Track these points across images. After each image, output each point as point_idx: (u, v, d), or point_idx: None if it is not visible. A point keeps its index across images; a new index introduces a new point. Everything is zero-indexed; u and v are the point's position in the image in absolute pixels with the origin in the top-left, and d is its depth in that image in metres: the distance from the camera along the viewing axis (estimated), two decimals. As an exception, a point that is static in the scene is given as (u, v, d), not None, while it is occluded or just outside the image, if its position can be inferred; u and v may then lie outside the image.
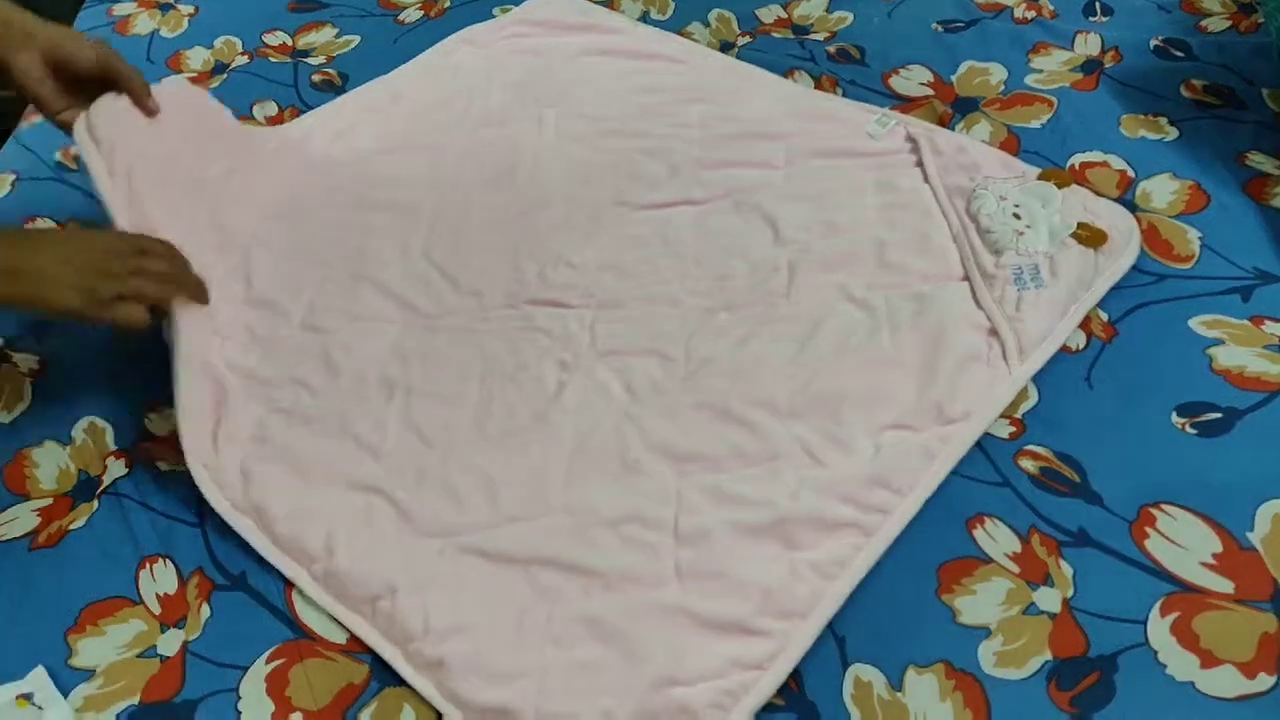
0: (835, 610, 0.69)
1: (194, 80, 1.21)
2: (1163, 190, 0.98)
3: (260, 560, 0.75)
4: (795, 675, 0.67)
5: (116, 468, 0.81)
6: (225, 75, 1.23)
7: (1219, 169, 1.00)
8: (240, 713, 0.67)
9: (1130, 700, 0.64)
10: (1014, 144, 1.04)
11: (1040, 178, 0.96)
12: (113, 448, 0.83)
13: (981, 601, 0.70)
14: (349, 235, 0.97)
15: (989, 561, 0.72)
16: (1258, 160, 1.00)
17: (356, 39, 1.27)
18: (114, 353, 0.90)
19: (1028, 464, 0.77)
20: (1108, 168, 1.01)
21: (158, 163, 0.86)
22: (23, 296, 0.71)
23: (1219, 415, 0.79)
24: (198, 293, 0.83)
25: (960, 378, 0.80)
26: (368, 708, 0.67)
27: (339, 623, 0.71)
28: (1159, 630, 0.67)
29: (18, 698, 0.66)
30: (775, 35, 1.24)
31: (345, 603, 0.72)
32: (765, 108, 1.07)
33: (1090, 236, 0.89)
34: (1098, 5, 1.24)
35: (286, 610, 0.72)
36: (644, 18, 1.28)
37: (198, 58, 1.26)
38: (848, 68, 1.17)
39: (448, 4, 1.32)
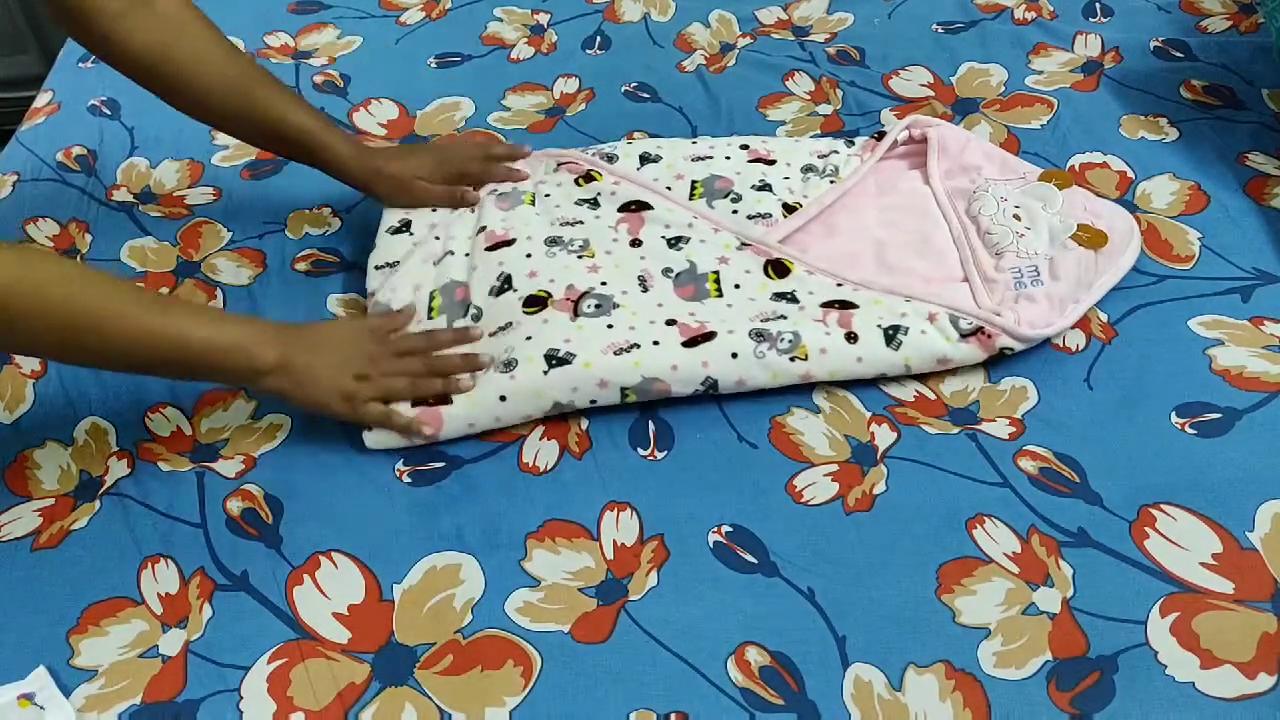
0: None
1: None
2: (1163, 191, 0.99)
3: (262, 560, 0.75)
4: (795, 675, 0.67)
5: (118, 468, 0.81)
6: (226, 76, 1.22)
7: (1219, 169, 1.00)
8: (242, 713, 0.67)
9: (1130, 700, 0.64)
10: (1014, 145, 1.05)
11: (1041, 179, 0.96)
12: (114, 448, 0.83)
13: (981, 602, 0.70)
14: None
15: (989, 562, 0.72)
16: (1258, 161, 1.00)
17: (358, 40, 1.27)
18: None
19: (1027, 464, 0.78)
20: (1108, 168, 1.01)
21: None
22: (289, 393, 0.77)
23: (1219, 415, 0.79)
24: (450, 384, 0.79)
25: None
26: (369, 708, 0.67)
27: (340, 622, 0.71)
28: (1159, 630, 0.67)
29: (20, 698, 0.66)
30: (775, 36, 1.24)
31: None
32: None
33: (1091, 238, 0.89)
34: (1098, 6, 1.24)
35: (288, 610, 0.72)
36: (644, 19, 1.28)
37: (199, 59, 1.25)
38: (848, 69, 1.17)
39: (449, 5, 1.33)
